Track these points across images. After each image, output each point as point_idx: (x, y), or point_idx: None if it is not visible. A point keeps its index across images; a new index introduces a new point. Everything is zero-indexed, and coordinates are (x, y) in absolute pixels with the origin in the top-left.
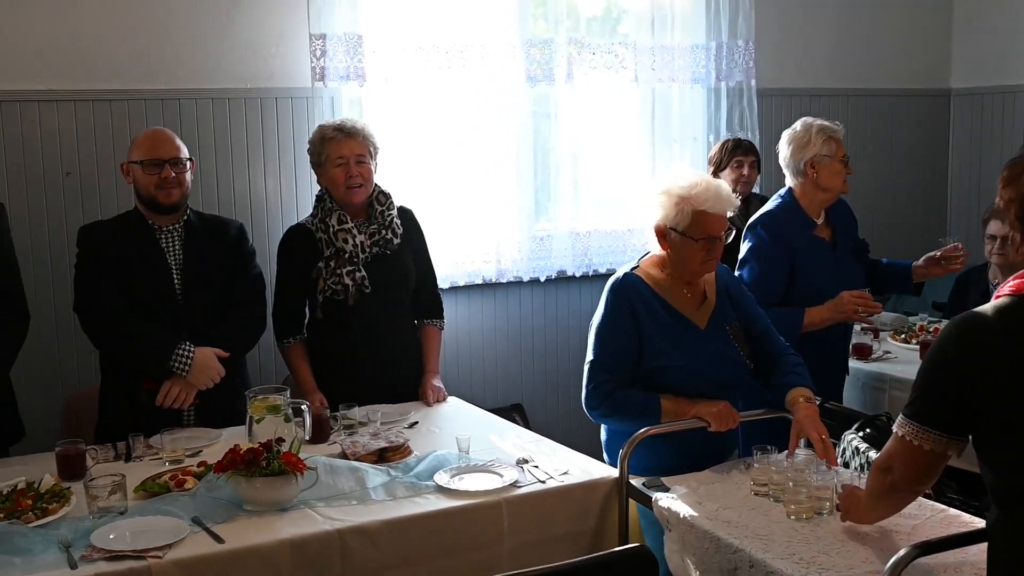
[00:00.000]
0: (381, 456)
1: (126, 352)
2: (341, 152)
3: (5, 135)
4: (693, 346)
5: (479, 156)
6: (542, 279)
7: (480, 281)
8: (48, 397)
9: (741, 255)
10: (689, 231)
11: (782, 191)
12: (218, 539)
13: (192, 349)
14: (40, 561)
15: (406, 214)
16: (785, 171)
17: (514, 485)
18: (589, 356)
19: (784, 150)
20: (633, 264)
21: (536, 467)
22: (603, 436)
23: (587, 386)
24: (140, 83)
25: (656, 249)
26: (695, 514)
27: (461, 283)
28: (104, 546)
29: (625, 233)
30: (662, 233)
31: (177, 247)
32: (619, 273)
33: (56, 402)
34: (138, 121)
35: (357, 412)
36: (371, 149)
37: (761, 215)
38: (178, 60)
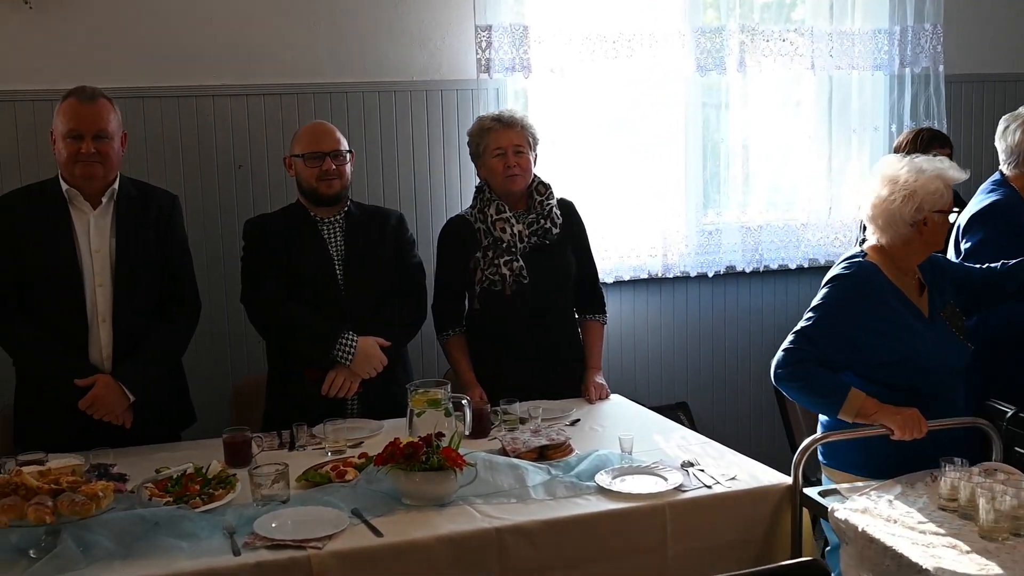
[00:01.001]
0: (541, 454)
1: (290, 342)
2: (499, 143)
3: (182, 129)
4: (925, 334)
5: (645, 147)
6: (710, 274)
7: (646, 276)
8: (219, 384)
9: (967, 246)
10: (948, 206)
11: (993, 180)
12: (377, 532)
13: (355, 338)
14: (206, 546)
15: (567, 207)
16: (1008, 159)
17: (678, 489)
18: (800, 324)
19: (1018, 136)
20: (859, 252)
21: (702, 471)
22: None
23: (783, 348)
24: (308, 77)
25: (879, 241)
26: (875, 528)
27: (626, 278)
28: (266, 534)
29: (799, 228)
30: (923, 221)
31: (339, 238)
32: (852, 259)
33: (226, 389)
34: (306, 114)
35: (518, 408)
36: (530, 140)
37: (989, 205)
38: (345, 54)
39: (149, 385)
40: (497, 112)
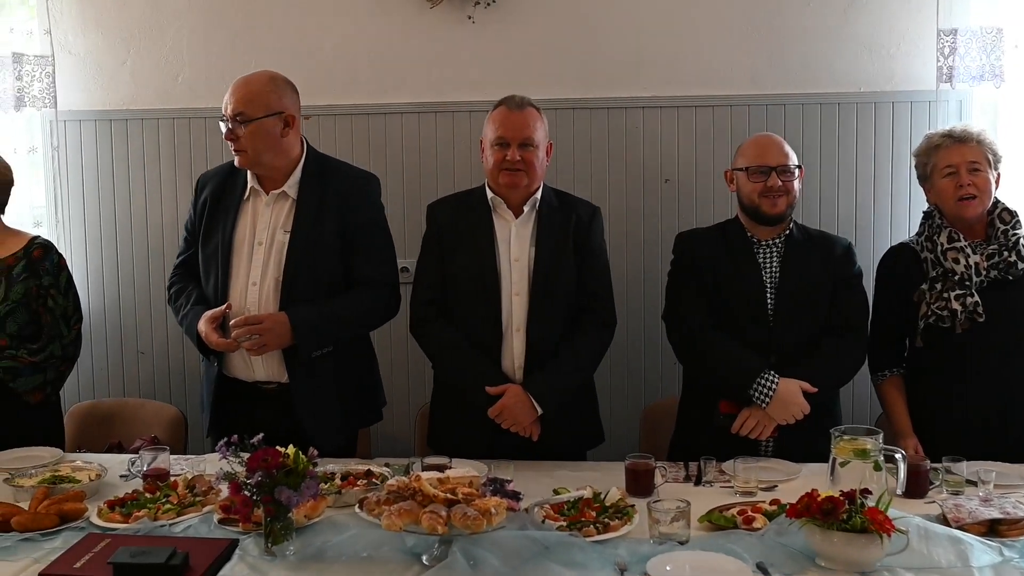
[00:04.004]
0: (992, 528)
1: (707, 370)
2: (950, 160)
3: (610, 140)
4: None
5: None
6: None
7: None
8: (629, 404)
9: None
10: None
11: None
12: None
13: (776, 380)
14: None
15: None
16: None
17: None
18: None
19: None
20: None
21: None
22: None
23: None
24: (744, 88)
25: None
26: None
27: None
28: None
29: None
30: None
31: (774, 263)
32: None
33: (636, 410)
34: (739, 127)
35: (964, 468)
36: (988, 156)
37: None
38: (786, 63)
39: (558, 399)
40: (948, 127)
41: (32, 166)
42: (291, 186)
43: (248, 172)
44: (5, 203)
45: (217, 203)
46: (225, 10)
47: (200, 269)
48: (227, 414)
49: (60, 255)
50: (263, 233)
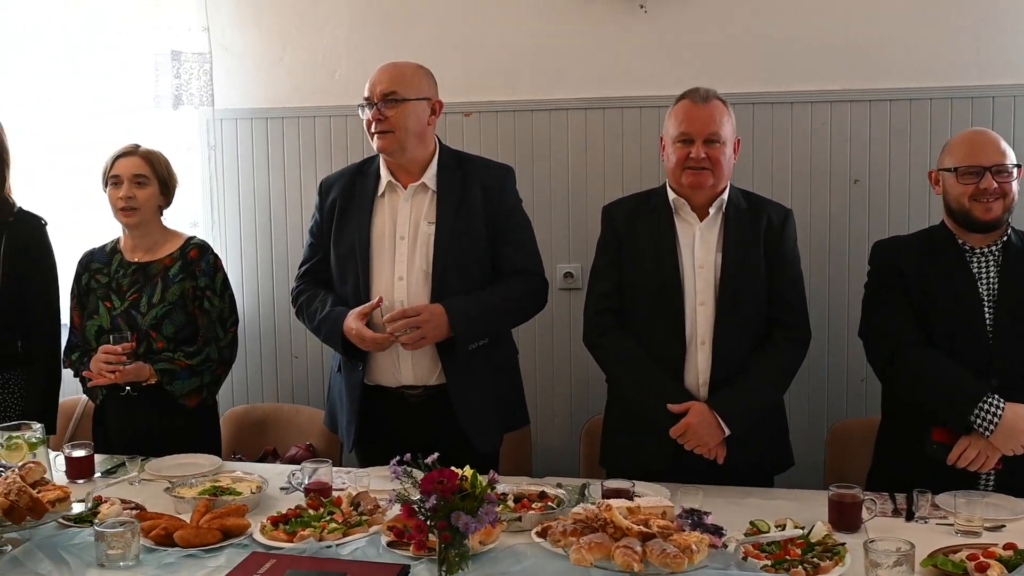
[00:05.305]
0: None
1: (919, 393)
2: None
3: (793, 137)
4: None
5: None
6: None
7: None
8: (812, 425)
9: None
10: None
11: None
12: None
13: (1001, 404)
14: None
15: None
16: None
17: None
18: None
19: None
20: None
21: None
22: None
23: None
24: (946, 79)
25: None
26: None
27: None
28: None
29: None
30: None
31: (992, 274)
32: None
33: (819, 431)
34: (941, 123)
35: None
36: None
37: None
38: (994, 50)
39: (748, 420)
40: None
41: (188, 165)
42: (430, 178)
43: (380, 167)
44: (169, 204)
45: (347, 203)
46: (383, 5)
47: (334, 272)
48: (370, 426)
49: (216, 256)
50: (404, 227)
